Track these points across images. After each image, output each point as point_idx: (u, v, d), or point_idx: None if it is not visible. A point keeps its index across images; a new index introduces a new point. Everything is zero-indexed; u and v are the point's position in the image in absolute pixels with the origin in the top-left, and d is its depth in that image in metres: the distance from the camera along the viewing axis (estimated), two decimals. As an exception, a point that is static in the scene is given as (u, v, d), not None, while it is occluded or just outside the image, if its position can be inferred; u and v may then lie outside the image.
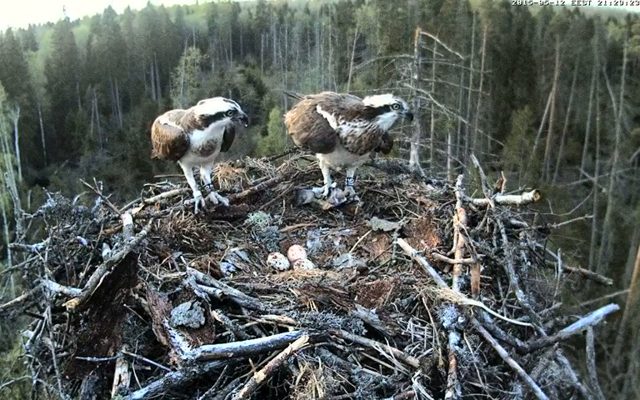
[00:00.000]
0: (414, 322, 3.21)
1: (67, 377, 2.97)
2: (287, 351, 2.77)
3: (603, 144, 43.77)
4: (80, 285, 3.32)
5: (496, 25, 51.09)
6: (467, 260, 3.49)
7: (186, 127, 4.20)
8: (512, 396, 2.94)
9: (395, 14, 45.01)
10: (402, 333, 3.12)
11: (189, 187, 4.57)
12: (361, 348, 2.98)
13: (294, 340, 2.83)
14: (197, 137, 4.20)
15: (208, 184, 4.60)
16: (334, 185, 4.82)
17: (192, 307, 3.08)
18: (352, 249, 4.32)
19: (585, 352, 3.22)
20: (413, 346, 3.05)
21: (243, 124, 4.28)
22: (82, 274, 3.55)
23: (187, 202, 4.46)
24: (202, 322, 3.03)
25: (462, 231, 3.66)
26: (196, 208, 4.40)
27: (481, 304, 3.17)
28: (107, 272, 2.99)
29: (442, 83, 27.62)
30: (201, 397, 2.75)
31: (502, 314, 3.32)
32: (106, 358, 2.90)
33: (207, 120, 4.15)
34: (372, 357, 2.96)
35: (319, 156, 4.78)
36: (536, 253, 4.02)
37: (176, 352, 2.81)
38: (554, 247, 4.09)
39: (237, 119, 4.21)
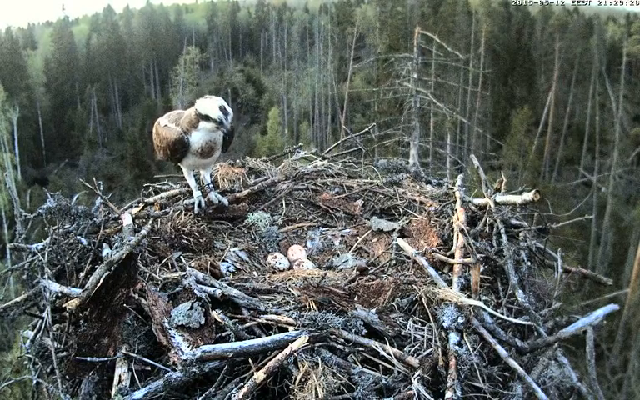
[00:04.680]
0: (414, 322, 3.22)
1: (67, 377, 2.97)
2: (287, 351, 2.77)
3: (603, 144, 43.78)
4: (80, 285, 3.31)
5: (495, 24, 51.08)
6: (467, 260, 3.49)
7: (185, 128, 4.17)
8: (512, 396, 2.94)
9: (394, 13, 44.97)
10: (402, 333, 3.12)
11: (189, 187, 4.56)
12: (361, 348, 2.98)
13: (294, 340, 2.83)
14: (196, 138, 4.16)
15: (208, 184, 4.58)
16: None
17: (192, 307, 3.08)
18: (352, 249, 4.32)
19: (585, 351, 3.22)
20: (413, 346, 3.05)
21: (224, 136, 4.25)
22: (82, 274, 3.55)
23: (186, 201, 4.44)
24: (202, 322, 3.02)
25: (462, 231, 3.67)
26: (195, 208, 4.39)
27: (481, 304, 3.18)
28: (107, 272, 2.99)
29: (442, 83, 27.65)
30: (201, 397, 2.74)
31: (502, 314, 3.32)
32: (106, 358, 2.90)
33: (198, 117, 4.11)
34: (372, 357, 2.96)
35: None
36: (536, 253, 4.02)
37: (176, 352, 2.81)
38: (554, 246, 4.09)
39: (220, 130, 4.13)
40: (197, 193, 4.45)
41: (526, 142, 43.87)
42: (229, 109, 4.08)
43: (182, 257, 3.84)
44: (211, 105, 4.07)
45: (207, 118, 4.07)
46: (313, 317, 3.01)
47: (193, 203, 4.41)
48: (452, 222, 4.04)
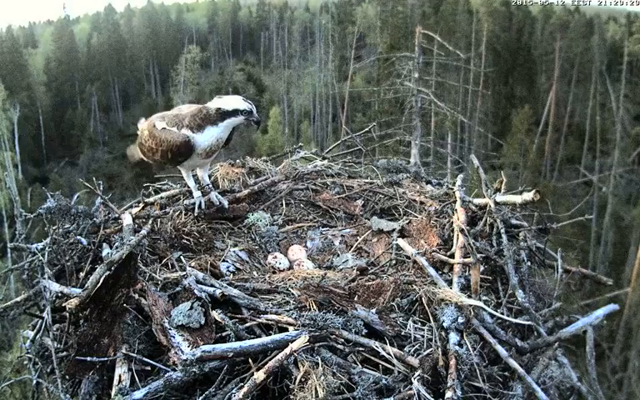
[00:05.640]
0: (414, 322, 3.22)
1: (67, 377, 2.97)
2: (287, 351, 2.77)
3: (603, 143, 43.75)
4: (80, 285, 3.32)
5: (496, 24, 50.98)
6: (467, 260, 3.49)
7: (196, 127, 4.08)
8: (512, 396, 2.95)
9: (395, 12, 44.89)
10: (402, 333, 3.12)
11: (188, 187, 4.54)
12: (361, 348, 2.98)
13: (294, 340, 2.83)
14: (207, 137, 4.09)
15: (207, 185, 4.55)
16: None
17: (192, 307, 3.08)
18: (352, 249, 4.32)
19: (585, 351, 3.22)
20: (413, 346, 3.05)
21: (255, 126, 4.27)
22: (82, 274, 3.55)
23: (186, 202, 4.42)
24: (202, 322, 3.03)
25: (462, 231, 3.67)
26: (196, 210, 4.36)
27: (481, 304, 3.18)
28: (107, 272, 2.99)
29: (443, 82, 27.64)
30: (201, 397, 2.75)
31: (502, 314, 3.32)
32: (106, 358, 2.90)
33: (222, 115, 4.07)
34: (372, 357, 2.97)
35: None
36: (536, 253, 4.02)
37: (176, 352, 2.82)
38: (554, 246, 4.09)
39: (250, 120, 4.16)
40: (197, 194, 4.42)
41: (526, 141, 43.85)
42: (249, 101, 4.12)
43: (182, 257, 3.84)
44: (235, 100, 4.11)
45: (235, 113, 4.08)
46: (313, 317, 3.01)
47: (194, 204, 4.40)
48: (452, 222, 4.04)
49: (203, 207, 4.41)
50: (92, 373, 2.93)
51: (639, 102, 45.70)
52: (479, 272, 3.38)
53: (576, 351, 3.90)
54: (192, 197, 4.44)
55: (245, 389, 2.65)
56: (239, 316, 3.18)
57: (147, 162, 4.54)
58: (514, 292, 3.43)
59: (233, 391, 2.73)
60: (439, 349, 2.98)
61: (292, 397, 2.70)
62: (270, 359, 2.80)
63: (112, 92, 65.93)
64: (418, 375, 2.80)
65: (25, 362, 3.55)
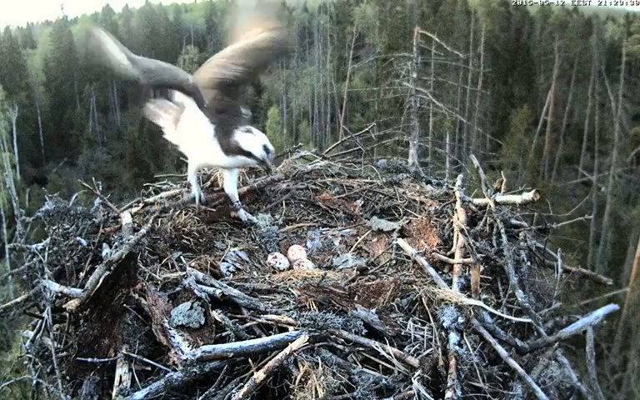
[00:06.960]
0: (414, 322, 3.21)
1: (67, 377, 2.96)
2: (287, 351, 2.77)
3: (602, 143, 43.75)
4: (80, 285, 3.31)
5: (495, 24, 50.98)
6: (467, 260, 3.49)
7: (224, 149, 4.08)
8: (512, 396, 2.95)
9: (394, 13, 44.93)
10: (402, 333, 3.12)
11: (189, 186, 4.52)
12: (361, 348, 2.98)
13: (294, 340, 2.83)
14: (229, 161, 4.19)
15: (237, 201, 4.52)
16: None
17: (192, 307, 3.07)
18: (352, 249, 4.32)
19: (585, 351, 3.22)
20: (413, 346, 3.05)
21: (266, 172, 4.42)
22: (82, 274, 3.54)
23: (185, 197, 4.39)
24: (202, 322, 3.02)
25: (461, 231, 3.67)
26: (196, 202, 4.33)
27: (481, 303, 3.17)
28: (107, 272, 2.99)
29: (441, 82, 27.64)
30: (201, 397, 2.74)
31: (503, 313, 3.32)
32: (106, 359, 2.90)
33: (239, 150, 4.07)
34: (372, 357, 2.96)
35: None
36: (536, 253, 4.02)
37: (176, 352, 2.81)
38: (554, 246, 4.09)
39: (262, 167, 4.23)
40: (195, 187, 4.40)
41: (525, 141, 43.84)
42: (271, 147, 4.07)
43: (182, 257, 3.83)
44: (254, 143, 4.05)
45: (249, 155, 4.07)
46: (313, 317, 3.01)
47: (193, 198, 4.37)
48: (452, 222, 4.04)
49: (203, 199, 4.39)
50: (92, 374, 2.92)
51: (638, 102, 45.70)
52: (479, 272, 3.38)
53: (576, 351, 3.91)
54: (191, 193, 4.42)
55: (245, 389, 2.65)
56: (239, 316, 3.17)
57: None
58: (514, 292, 3.43)
59: (233, 391, 2.72)
60: (439, 349, 2.98)
61: (292, 397, 2.70)
62: (270, 359, 2.79)
63: (111, 92, 65.81)
64: (418, 375, 2.80)
65: (25, 362, 3.54)
